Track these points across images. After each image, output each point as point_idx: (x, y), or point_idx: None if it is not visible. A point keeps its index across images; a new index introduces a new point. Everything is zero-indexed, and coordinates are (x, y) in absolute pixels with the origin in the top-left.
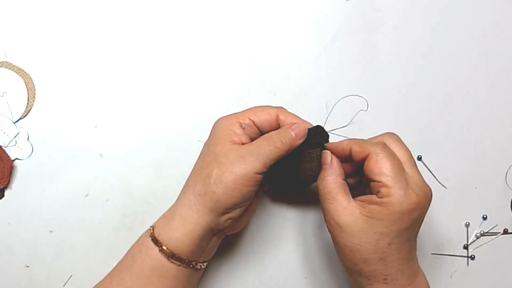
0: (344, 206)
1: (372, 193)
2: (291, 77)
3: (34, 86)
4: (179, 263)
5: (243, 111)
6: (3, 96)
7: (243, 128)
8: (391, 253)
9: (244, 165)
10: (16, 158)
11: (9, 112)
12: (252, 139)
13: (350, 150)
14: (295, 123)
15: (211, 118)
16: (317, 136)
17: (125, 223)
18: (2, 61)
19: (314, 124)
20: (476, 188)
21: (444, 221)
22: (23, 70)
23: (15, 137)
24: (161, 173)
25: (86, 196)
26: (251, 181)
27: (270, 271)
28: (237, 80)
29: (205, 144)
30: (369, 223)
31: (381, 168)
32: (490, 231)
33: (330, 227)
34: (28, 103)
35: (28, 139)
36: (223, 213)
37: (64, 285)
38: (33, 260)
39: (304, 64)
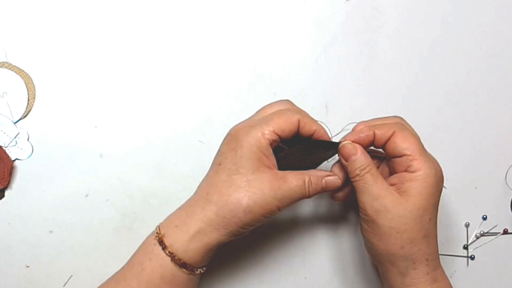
0: (386, 188)
1: (394, 173)
2: (291, 77)
3: (34, 86)
4: (189, 272)
5: (266, 121)
6: (3, 97)
7: (271, 144)
8: (432, 229)
9: (275, 202)
10: (16, 159)
11: (9, 113)
12: (273, 147)
13: (374, 135)
14: (331, 174)
15: (211, 118)
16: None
17: (125, 223)
18: (2, 61)
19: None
20: (476, 188)
21: (444, 221)
22: (23, 70)
23: (15, 137)
24: (161, 173)
25: (86, 196)
26: (274, 214)
27: (270, 271)
28: (237, 80)
29: (225, 154)
30: (411, 200)
31: (410, 143)
32: (490, 231)
33: (373, 212)
34: (28, 104)
35: (28, 140)
36: (240, 234)
37: (64, 285)
38: (33, 260)
39: (304, 64)
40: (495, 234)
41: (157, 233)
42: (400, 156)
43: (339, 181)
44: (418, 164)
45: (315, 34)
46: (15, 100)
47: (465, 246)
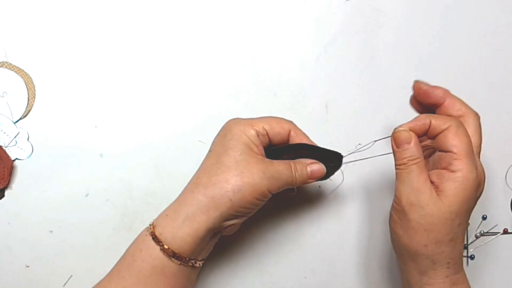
0: (427, 184)
1: (437, 168)
2: (291, 77)
3: (34, 86)
4: (180, 262)
5: (258, 118)
6: (3, 96)
7: (258, 137)
8: (459, 234)
9: (264, 181)
10: (16, 158)
11: (9, 112)
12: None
13: (430, 124)
14: (316, 163)
15: (211, 118)
16: (331, 161)
17: (125, 223)
18: (2, 61)
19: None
20: None
21: None
22: (23, 70)
23: (15, 137)
24: (161, 173)
25: (86, 196)
26: (265, 197)
27: (270, 271)
28: (237, 80)
29: (217, 142)
30: (446, 202)
31: (460, 141)
32: (490, 231)
33: (407, 204)
34: (28, 103)
35: (28, 139)
36: (231, 219)
37: (64, 285)
38: (33, 260)
39: (304, 64)
40: (495, 234)
41: (150, 225)
42: (446, 152)
43: (324, 169)
44: (460, 164)
45: (315, 34)
46: (15, 100)
47: (465, 246)
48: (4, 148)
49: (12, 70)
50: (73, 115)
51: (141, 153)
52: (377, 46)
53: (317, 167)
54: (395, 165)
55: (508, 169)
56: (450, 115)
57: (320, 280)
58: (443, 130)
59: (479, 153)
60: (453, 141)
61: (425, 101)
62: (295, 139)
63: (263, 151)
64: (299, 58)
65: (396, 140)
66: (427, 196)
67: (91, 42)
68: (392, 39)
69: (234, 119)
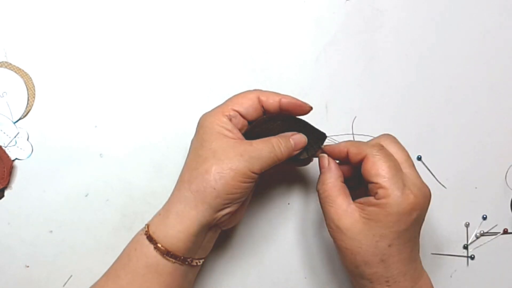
0: (343, 209)
1: (370, 195)
2: (291, 77)
3: (34, 86)
4: (174, 260)
5: (225, 103)
6: (3, 96)
7: (230, 120)
8: (391, 255)
9: (243, 163)
10: (16, 158)
11: (9, 112)
12: (240, 129)
13: (347, 152)
14: (296, 134)
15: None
16: (315, 140)
17: (125, 223)
18: (2, 61)
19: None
20: (476, 188)
21: (444, 221)
22: (23, 70)
23: (15, 137)
24: (161, 173)
25: (86, 196)
26: (249, 178)
27: (270, 271)
28: (237, 80)
29: (193, 140)
30: (368, 225)
31: (378, 170)
32: (490, 231)
33: (331, 230)
34: (28, 103)
35: (28, 139)
36: (222, 209)
37: (64, 285)
38: (33, 260)
39: (304, 64)
40: (495, 234)
41: (146, 224)
42: (369, 183)
43: (305, 138)
44: (383, 192)
45: (315, 34)
46: (14, 100)
47: (465, 246)
48: (4, 148)
49: (12, 70)
50: (73, 115)
51: (141, 153)
52: (377, 46)
53: (298, 137)
54: (317, 191)
55: (508, 169)
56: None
57: (320, 280)
58: (361, 160)
59: (411, 165)
60: (372, 171)
61: (337, 158)
62: (268, 103)
63: (239, 134)
64: (299, 58)
65: (319, 164)
66: (346, 221)
67: (91, 42)
68: (392, 39)
69: (205, 113)
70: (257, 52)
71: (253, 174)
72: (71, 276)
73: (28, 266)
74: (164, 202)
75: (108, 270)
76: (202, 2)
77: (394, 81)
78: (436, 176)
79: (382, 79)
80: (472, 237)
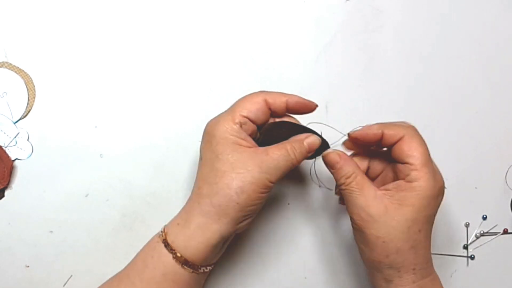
0: (373, 196)
1: (396, 179)
2: (291, 77)
3: (34, 86)
4: (192, 270)
5: (232, 108)
6: (3, 96)
7: (241, 127)
8: (421, 241)
9: (263, 175)
10: (16, 158)
11: (9, 112)
12: (250, 135)
13: (382, 134)
14: (310, 135)
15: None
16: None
17: (125, 223)
18: (2, 61)
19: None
20: (476, 188)
21: (444, 221)
22: (23, 70)
23: (15, 137)
24: (161, 173)
25: (86, 196)
26: (268, 189)
27: (270, 271)
28: (237, 80)
29: (205, 150)
30: (400, 210)
31: (415, 151)
32: (490, 231)
33: (360, 221)
34: (28, 103)
35: (28, 139)
36: (243, 220)
37: (64, 285)
38: (33, 260)
39: (304, 64)
40: (495, 234)
41: (161, 232)
42: (403, 163)
43: (319, 139)
44: (417, 175)
45: (315, 34)
46: (15, 100)
47: (465, 246)
48: (4, 148)
49: (12, 70)
50: (73, 115)
51: (141, 153)
52: (377, 46)
53: (312, 139)
54: (337, 186)
55: (508, 169)
56: (395, 139)
57: (320, 280)
58: (397, 141)
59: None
60: (409, 151)
61: (368, 142)
62: (275, 105)
63: (252, 141)
64: (299, 58)
65: (328, 164)
66: (376, 209)
67: (91, 42)
68: (392, 39)
69: (212, 120)
70: (257, 52)
71: (272, 184)
72: (71, 276)
73: (28, 266)
74: (164, 202)
75: (120, 274)
76: (202, 2)
77: (394, 81)
78: None
79: (382, 79)
80: (472, 237)
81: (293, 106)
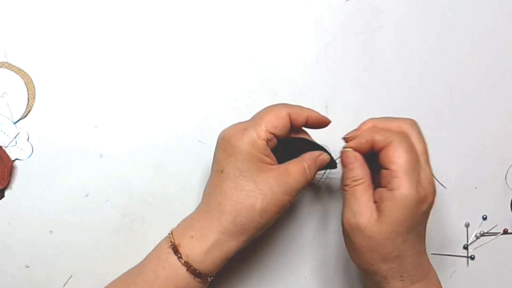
0: (368, 206)
1: (379, 186)
2: (291, 77)
3: (34, 86)
4: (203, 281)
5: (258, 123)
6: (3, 97)
7: (267, 143)
8: (406, 250)
9: (285, 196)
10: (16, 159)
11: (9, 113)
12: (271, 148)
13: (373, 141)
14: (322, 153)
15: (211, 118)
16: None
17: (125, 223)
18: (2, 62)
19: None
20: (476, 188)
21: (444, 221)
22: (23, 71)
23: (15, 137)
24: (161, 173)
25: (86, 196)
26: (287, 207)
27: (270, 271)
28: (237, 80)
29: (228, 163)
30: (384, 223)
31: (399, 158)
32: (490, 231)
33: (348, 227)
34: (28, 104)
35: (28, 140)
36: (258, 235)
37: (64, 285)
38: (33, 260)
39: (304, 64)
40: (495, 234)
41: (171, 242)
42: (386, 169)
43: (328, 157)
44: (398, 182)
45: (315, 34)
46: (15, 100)
47: (465, 246)
48: (4, 148)
49: (12, 70)
50: (73, 115)
51: (141, 153)
52: (377, 46)
53: (323, 157)
54: (341, 185)
55: (508, 169)
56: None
57: (320, 280)
58: (385, 146)
59: (427, 159)
60: (392, 157)
61: (364, 152)
62: (297, 121)
63: (273, 157)
64: (299, 58)
65: (342, 160)
66: (366, 219)
67: (91, 42)
68: (392, 39)
69: (234, 130)
70: (257, 52)
71: (289, 203)
72: (71, 276)
73: (28, 266)
74: (164, 202)
75: (127, 280)
76: (202, 2)
77: (394, 81)
78: (436, 176)
79: (382, 79)
80: (472, 237)
81: (312, 122)
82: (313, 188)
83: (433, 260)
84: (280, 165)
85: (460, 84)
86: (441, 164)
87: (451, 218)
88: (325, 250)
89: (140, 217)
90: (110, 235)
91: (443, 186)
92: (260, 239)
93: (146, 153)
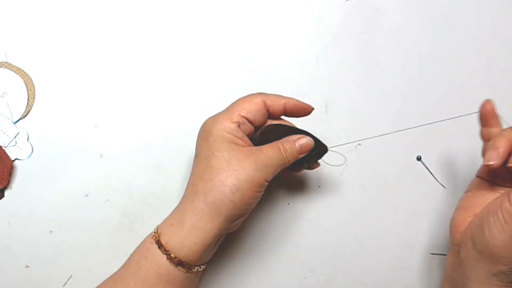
0: None
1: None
2: (291, 77)
3: (34, 86)
4: (186, 270)
5: (230, 108)
6: (3, 96)
7: (239, 127)
8: None
9: (258, 173)
10: (16, 158)
11: (9, 112)
12: (247, 135)
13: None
14: (303, 137)
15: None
16: (316, 152)
17: (125, 223)
18: (2, 61)
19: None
20: None
21: (444, 221)
22: (23, 70)
23: (15, 137)
24: (161, 173)
25: (86, 196)
26: (263, 187)
27: (270, 271)
28: (237, 80)
29: (201, 147)
30: None
31: None
32: None
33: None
34: (28, 103)
35: (28, 140)
36: (236, 219)
37: (64, 285)
38: (33, 260)
39: (304, 64)
40: None
41: (154, 232)
42: None
43: (312, 141)
44: None
45: (315, 34)
46: (14, 100)
47: None
48: (4, 148)
49: (12, 70)
50: (73, 115)
51: (141, 153)
52: (377, 46)
53: (304, 140)
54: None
55: None
56: None
57: (320, 280)
58: None
59: None
60: None
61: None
62: (274, 107)
63: (248, 140)
64: (299, 58)
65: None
66: None
67: (91, 42)
68: (392, 39)
69: (210, 118)
70: (257, 52)
71: (266, 182)
72: (71, 276)
73: (28, 266)
74: (164, 202)
75: (115, 275)
76: (202, 3)
77: (394, 81)
78: (436, 176)
79: (382, 79)
80: None
81: (291, 109)
82: (313, 188)
83: (433, 260)
84: (255, 146)
85: (460, 84)
86: (441, 164)
87: (451, 218)
88: (325, 250)
89: (140, 217)
90: (110, 235)
91: (443, 186)
92: (260, 239)
93: (146, 153)
